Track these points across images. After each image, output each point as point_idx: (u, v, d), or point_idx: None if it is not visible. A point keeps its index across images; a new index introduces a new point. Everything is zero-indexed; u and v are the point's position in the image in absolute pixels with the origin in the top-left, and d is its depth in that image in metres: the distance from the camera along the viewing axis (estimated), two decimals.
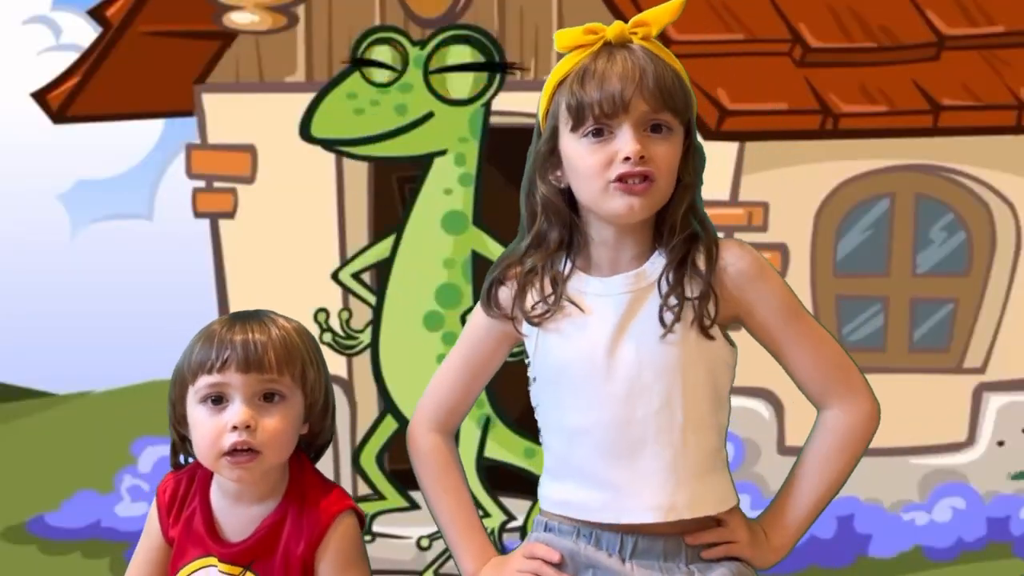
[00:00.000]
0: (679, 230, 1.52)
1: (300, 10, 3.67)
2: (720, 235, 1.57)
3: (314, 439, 1.69)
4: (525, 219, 1.65)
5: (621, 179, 1.48)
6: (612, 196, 1.49)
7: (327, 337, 3.35)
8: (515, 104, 3.45)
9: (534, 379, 1.61)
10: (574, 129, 1.51)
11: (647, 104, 1.48)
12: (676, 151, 1.51)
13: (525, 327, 1.59)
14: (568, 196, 1.57)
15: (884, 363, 3.72)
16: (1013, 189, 3.76)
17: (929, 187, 3.84)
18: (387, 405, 3.31)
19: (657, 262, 1.54)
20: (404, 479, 3.52)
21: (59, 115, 3.90)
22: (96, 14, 3.91)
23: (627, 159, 1.47)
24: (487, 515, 3.25)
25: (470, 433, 3.28)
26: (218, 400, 1.58)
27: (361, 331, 3.35)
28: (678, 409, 1.51)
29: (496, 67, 3.29)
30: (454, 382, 1.74)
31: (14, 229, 4.46)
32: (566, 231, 1.58)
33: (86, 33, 3.96)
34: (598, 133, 1.49)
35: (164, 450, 3.82)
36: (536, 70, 3.64)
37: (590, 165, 1.49)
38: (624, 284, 1.54)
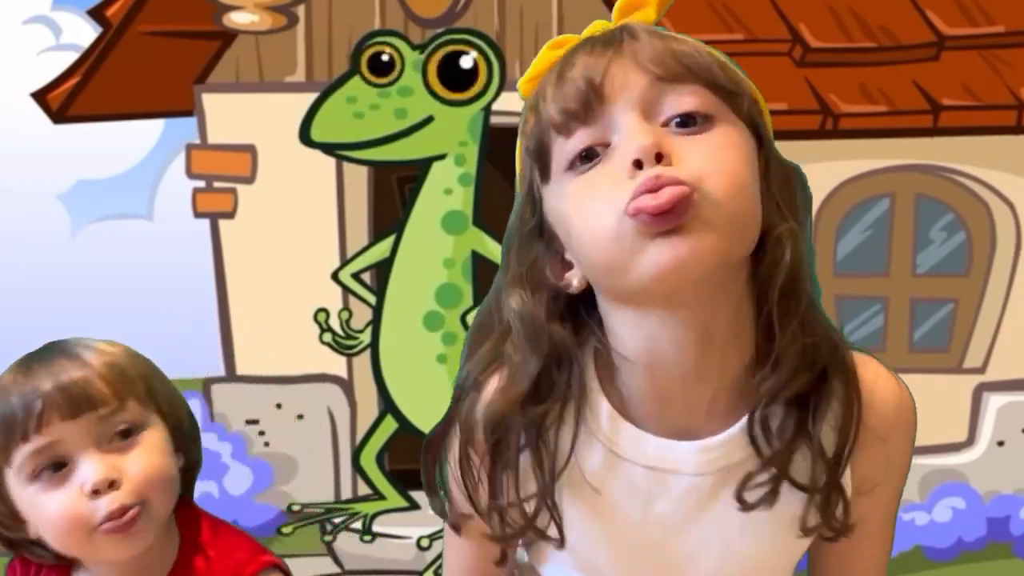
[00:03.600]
0: (786, 328, 0.83)
1: (300, 10, 3.66)
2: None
3: (190, 470, 1.30)
4: (498, 345, 0.93)
5: (639, 207, 0.80)
6: (633, 244, 0.81)
7: (327, 337, 3.35)
8: (515, 104, 3.45)
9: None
10: (545, 174, 0.91)
11: (653, 75, 0.85)
12: (735, 145, 0.84)
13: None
14: (583, 301, 0.90)
15: (884, 363, 3.72)
16: (1013, 189, 3.75)
17: (929, 187, 3.83)
18: (387, 405, 3.31)
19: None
20: (404, 479, 3.52)
21: (59, 115, 3.90)
22: (96, 14, 3.91)
23: (637, 165, 0.82)
24: None
25: None
26: (57, 467, 1.17)
27: (361, 331, 3.35)
28: None
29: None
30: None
31: (14, 229, 4.46)
32: (560, 364, 0.87)
33: (86, 33, 3.96)
34: (587, 156, 0.86)
35: None
36: None
37: (587, 206, 0.84)
38: (696, 459, 0.85)
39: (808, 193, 0.91)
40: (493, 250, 3.25)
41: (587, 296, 0.91)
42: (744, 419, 0.86)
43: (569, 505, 0.88)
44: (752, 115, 0.89)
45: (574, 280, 0.90)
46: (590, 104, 0.85)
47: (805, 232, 0.88)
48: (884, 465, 0.89)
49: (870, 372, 0.90)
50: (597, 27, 0.95)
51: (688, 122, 0.84)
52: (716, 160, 0.83)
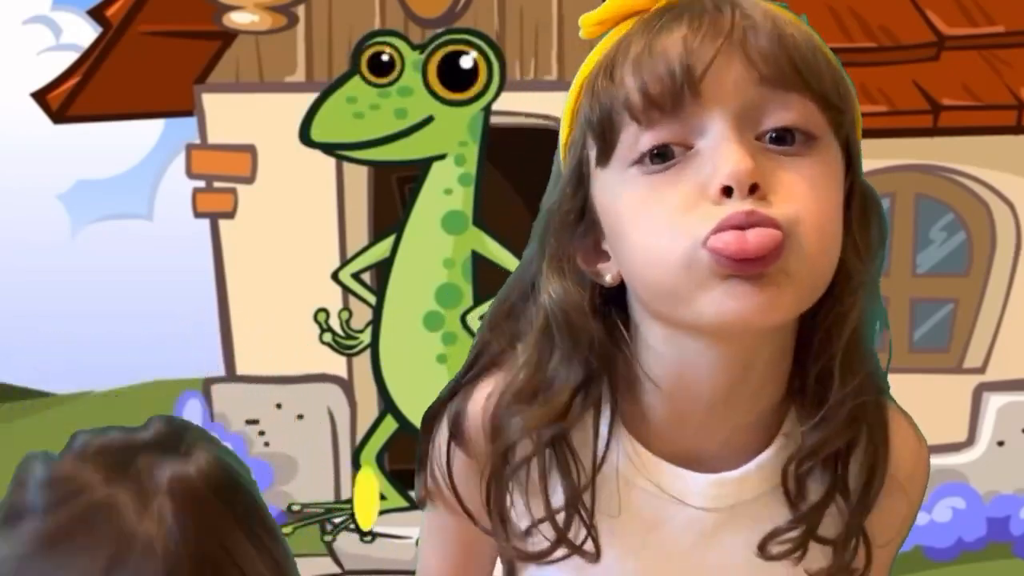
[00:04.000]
0: (847, 382, 0.75)
1: (300, 10, 3.67)
2: None
3: None
4: (507, 334, 0.84)
5: (720, 244, 0.69)
6: (703, 279, 0.70)
7: (327, 337, 3.35)
8: (515, 104, 3.45)
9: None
10: (604, 158, 0.75)
11: (757, 76, 0.71)
12: (833, 182, 0.73)
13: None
14: (614, 295, 0.79)
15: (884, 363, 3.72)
16: (1013, 189, 3.75)
17: (929, 187, 3.83)
18: (387, 405, 3.31)
19: (790, 446, 0.78)
20: (404, 479, 3.52)
21: (59, 115, 3.90)
22: (96, 14, 3.91)
23: (726, 191, 0.70)
24: None
25: None
26: None
27: (361, 331, 3.35)
28: None
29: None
30: None
31: (14, 229, 4.46)
32: (583, 372, 0.77)
33: (86, 33, 3.96)
34: (661, 156, 0.72)
35: None
36: (536, 70, 3.64)
37: (651, 219, 0.72)
38: (710, 492, 0.78)
39: (885, 226, 0.78)
40: (493, 250, 3.26)
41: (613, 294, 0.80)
42: (760, 457, 0.78)
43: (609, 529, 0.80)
44: (848, 132, 0.76)
45: (608, 275, 0.77)
46: (682, 98, 0.70)
47: (878, 269, 0.77)
48: (901, 518, 0.84)
49: (895, 423, 0.81)
50: None
51: (786, 139, 0.72)
52: (811, 200, 0.71)
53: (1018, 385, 3.72)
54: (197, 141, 3.70)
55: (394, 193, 3.62)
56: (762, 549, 0.77)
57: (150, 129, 4.62)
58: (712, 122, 0.70)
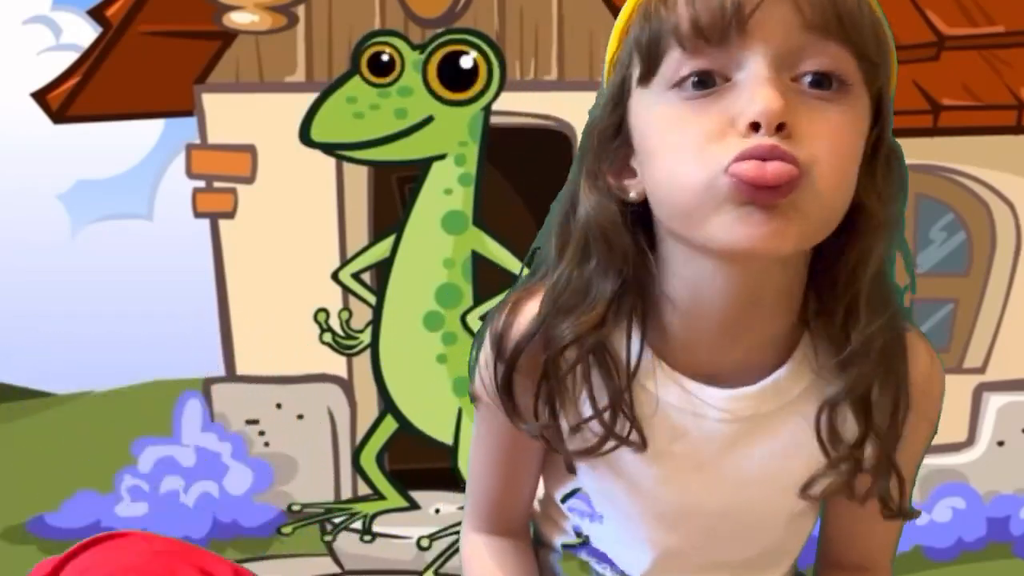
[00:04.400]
0: (872, 320, 0.82)
1: (300, 10, 3.66)
2: None
3: None
4: (553, 252, 0.88)
5: (740, 170, 0.73)
6: (721, 203, 0.75)
7: (327, 337, 3.35)
8: (515, 104, 3.45)
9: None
10: (646, 79, 0.81)
11: (802, 20, 0.76)
12: (856, 131, 0.81)
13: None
14: (640, 217, 0.84)
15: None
16: (1013, 189, 3.75)
17: (929, 187, 3.83)
18: (387, 405, 3.31)
19: (806, 362, 0.83)
20: (404, 479, 3.52)
21: (59, 115, 3.90)
22: (96, 14, 3.91)
23: (754, 126, 0.75)
24: None
25: (471, 434, 3.28)
26: None
27: (361, 331, 3.35)
28: None
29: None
30: (490, 477, 1.07)
31: (14, 229, 4.46)
32: (627, 275, 0.82)
33: (86, 33, 3.96)
34: (701, 83, 0.77)
35: (164, 450, 3.84)
36: (536, 70, 3.63)
37: (679, 140, 0.76)
38: (729, 406, 0.83)
39: (906, 175, 0.87)
40: (493, 250, 3.26)
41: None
42: (776, 375, 0.83)
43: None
44: (882, 84, 0.84)
45: (633, 191, 0.84)
46: (728, 32, 0.75)
47: (899, 213, 0.85)
48: (917, 433, 0.92)
49: (911, 345, 0.89)
50: None
51: (820, 83, 0.78)
52: (834, 144, 0.77)
53: (1018, 385, 3.72)
54: (197, 141, 3.70)
55: (394, 193, 3.61)
56: (804, 490, 0.85)
57: (150, 129, 4.62)
58: (752, 59, 0.75)
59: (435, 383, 3.29)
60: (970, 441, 3.71)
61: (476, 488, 1.13)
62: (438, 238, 3.28)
